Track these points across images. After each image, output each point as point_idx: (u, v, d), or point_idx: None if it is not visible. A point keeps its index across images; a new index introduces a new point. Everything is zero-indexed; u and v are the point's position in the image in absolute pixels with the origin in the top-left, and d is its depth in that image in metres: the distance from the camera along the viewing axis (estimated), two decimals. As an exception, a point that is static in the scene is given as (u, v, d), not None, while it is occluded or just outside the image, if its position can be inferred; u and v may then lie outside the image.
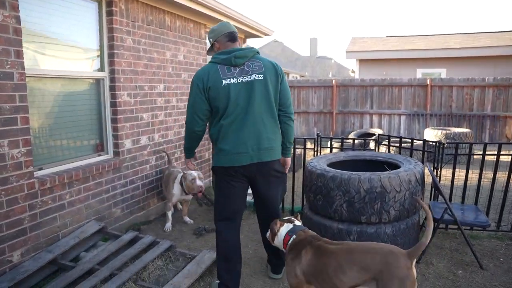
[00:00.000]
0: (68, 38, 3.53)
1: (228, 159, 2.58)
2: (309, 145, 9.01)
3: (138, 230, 4.13)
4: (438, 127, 8.91)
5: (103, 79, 3.92)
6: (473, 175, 5.36)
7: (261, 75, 2.55)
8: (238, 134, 2.54)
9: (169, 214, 4.23)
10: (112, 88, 3.96)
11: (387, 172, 3.23)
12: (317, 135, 4.30)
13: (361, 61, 13.83)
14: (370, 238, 3.18)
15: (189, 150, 2.89)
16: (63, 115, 3.53)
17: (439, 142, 4.02)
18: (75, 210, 3.49)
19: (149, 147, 4.51)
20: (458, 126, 10.20)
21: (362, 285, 2.08)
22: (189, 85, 5.30)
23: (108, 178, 3.89)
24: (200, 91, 2.52)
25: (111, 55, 3.92)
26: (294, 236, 2.40)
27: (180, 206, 4.88)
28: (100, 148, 3.97)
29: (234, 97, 2.50)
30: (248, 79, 2.53)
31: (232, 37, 2.67)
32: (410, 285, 1.98)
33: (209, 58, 6.18)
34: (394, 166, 3.74)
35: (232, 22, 4.26)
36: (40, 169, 3.25)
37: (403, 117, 10.91)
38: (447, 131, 7.96)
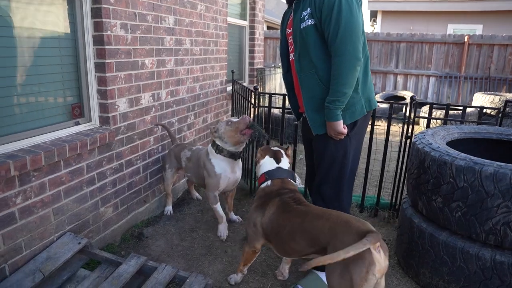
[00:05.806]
0: None
1: (372, 103, 2.19)
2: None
3: (140, 238, 2.73)
4: (489, 92, 7.55)
5: (80, -4, 2.32)
6: None
7: None
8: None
9: (219, 208, 2.78)
10: (97, 13, 2.37)
11: None
12: (412, 98, 2.84)
13: (384, 13, 12.09)
14: (550, 279, 1.86)
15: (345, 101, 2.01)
16: (10, 54, 1.97)
17: None
18: (34, 222, 2.02)
19: (153, 109, 2.99)
20: (497, 91, 8.90)
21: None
22: (206, 22, 3.80)
23: (92, 160, 2.40)
24: (359, 9, 1.98)
25: (93, -46, 2.30)
26: (269, 182, 2.11)
27: (198, 195, 3.46)
28: (77, 112, 2.44)
29: None
30: None
31: None
32: (354, 269, 1.54)
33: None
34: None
35: None
36: (-38, 151, 1.74)
37: (432, 79, 9.58)
38: (506, 98, 6.61)
